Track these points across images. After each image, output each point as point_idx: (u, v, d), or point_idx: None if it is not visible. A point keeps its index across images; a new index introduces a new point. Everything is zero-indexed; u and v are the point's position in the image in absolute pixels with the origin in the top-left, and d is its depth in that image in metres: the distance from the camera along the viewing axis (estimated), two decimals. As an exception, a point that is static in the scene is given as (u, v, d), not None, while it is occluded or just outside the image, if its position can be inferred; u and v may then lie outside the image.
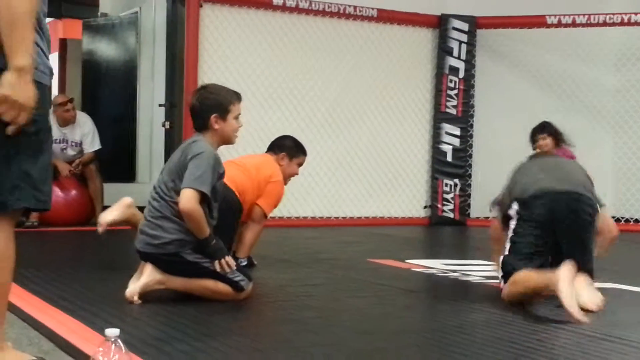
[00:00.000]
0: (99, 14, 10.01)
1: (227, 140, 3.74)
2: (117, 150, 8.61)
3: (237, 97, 3.76)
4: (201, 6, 7.55)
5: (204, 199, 3.50)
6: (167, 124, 7.85)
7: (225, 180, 4.09)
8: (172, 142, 7.81)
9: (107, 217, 4.47)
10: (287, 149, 4.83)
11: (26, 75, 2.11)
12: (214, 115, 3.63)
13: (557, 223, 3.85)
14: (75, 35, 11.64)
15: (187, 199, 3.45)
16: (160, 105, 8.08)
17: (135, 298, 3.50)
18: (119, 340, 2.08)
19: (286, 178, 4.81)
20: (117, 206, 4.50)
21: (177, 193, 3.51)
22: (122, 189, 8.22)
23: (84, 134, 7.41)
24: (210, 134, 3.66)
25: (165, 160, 7.97)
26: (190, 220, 3.47)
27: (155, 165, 8.58)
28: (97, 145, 7.48)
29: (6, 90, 2.10)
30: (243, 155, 5.16)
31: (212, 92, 3.71)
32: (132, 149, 8.99)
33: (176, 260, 3.54)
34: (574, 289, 3.40)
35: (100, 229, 4.43)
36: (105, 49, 9.36)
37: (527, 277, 3.60)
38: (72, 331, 2.89)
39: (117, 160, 8.68)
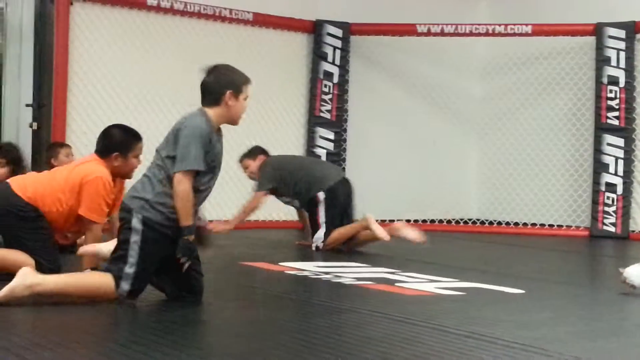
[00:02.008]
0: (-39, 8, 9.55)
1: (234, 119, 3.81)
2: (-20, 151, 8.22)
3: (249, 80, 3.81)
4: (72, 4, 7.33)
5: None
6: (35, 125, 7.58)
7: (15, 187, 4.19)
8: (39, 143, 7.54)
9: None
10: (118, 146, 4.29)
11: None
12: (229, 91, 3.70)
13: (347, 200, 6.36)
14: None
15: (178, 182, 3.57)
16: (27, 105, 7.80)
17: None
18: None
19: (126, 175, 4.41)
20: None
21: (163, 159, 3.64)
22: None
23: (-57, 135, 7.05)
24: (220, 110, 3.72)
25: (33, 163, 7.71)
26: (177, 199, 3.57)
27: (21, 167, 8.25)
28: (-41, 147, 7.13)
29: None
30: (77, 160, 4.86)
31: (229, 70, 3.80)
32: (-3, 151, 8.60)
33: (126, 216, 3.60)
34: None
35: None
36: (-32, 45, 8.93)
37: (343, 230, 6.19)
38: None
39: (-19, 161, 8.29)
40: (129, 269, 3.55)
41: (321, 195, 6.26)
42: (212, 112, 3.73)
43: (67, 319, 3.28)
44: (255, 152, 6.75)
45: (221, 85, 3.72)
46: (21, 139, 8.23)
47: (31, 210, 4.19)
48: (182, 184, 3.57)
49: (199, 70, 3.81)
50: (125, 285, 3.55)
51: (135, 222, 3.58)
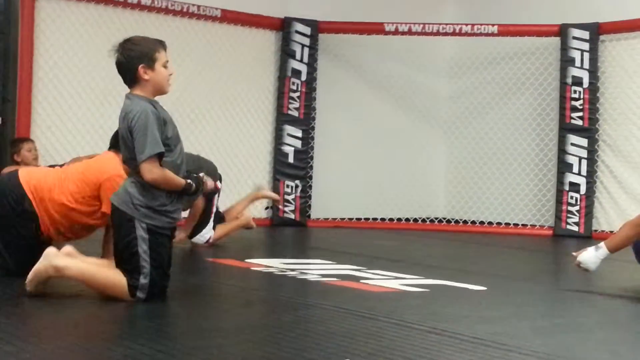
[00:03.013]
0: None
1: (161, 89, 3.65)
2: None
3: (161, 44, 3.67)
4: (36, -2, 7.27)
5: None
6: (-1, 120, 7.50)
7: (20, 175, 4.21)
8: (5, 138, 7.46)
9: None
10: None
11: None
12: (141, 65, 3.56)
13: None
14: None
15: (146, 172, 3.49)
16: (-9, 99, 7.71)
17: (30, 286, 3.50)
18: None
19: None
20: None
21: (133, 163, 3.54)
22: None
23: None
24: (142, 87, 3.59)
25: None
26: (160, 186, 3.53)
27: (-15, 162, 8.16)
28: None
29: None
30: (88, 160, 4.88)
31: (135, 44, 3.63)
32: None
33: (128, 225, 3.51)
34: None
35: None
36: None
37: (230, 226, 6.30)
38: None
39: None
40: (144, 280, 3.53)
41: (219, 184, 6.05)
42: (138, 91, 3.60)
43: (39, 313, 3.26)
44: None
45: (131, 62, 3.58)
46: (-15, 134, 8.14)
47: (23, 204, 4.12)
48: (153, 172, 3.50)
49: (111, 53, 3.69)
50: (141, 295, 3.55)
51: (141, 231, 3.52)
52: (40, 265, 3.52)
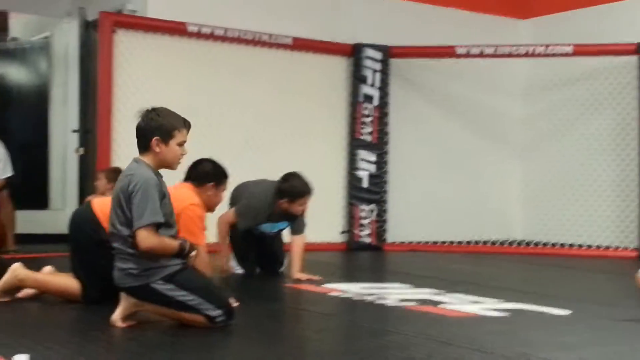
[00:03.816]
0: (8, 38, 9.80)
1: (167, 165, 3.66)
2: (29, 176, 8.41)
3: (184, 124, 3.68)
4: (114, 32, 7.48)
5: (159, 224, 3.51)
6: (82, 150, 7.71)
7: (95, 205, 4.23)
8: (86, 168, 7.68)
9: None
10: (213, 177, 4.65)
11: None
12: (155, 137, 3.58)
13: None
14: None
15: (142, 239, 3.46)
16: (73, 131, 7.95)
17: (119, 323, 3.55)
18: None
19: (213, 207, 4.66)
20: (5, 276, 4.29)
21: (128, 226, 3.50)
22: (35, 216, 8.04)
23: (-5, 161, 7.21)
24: (150, 156, 3.60)
25: (80, 187, 7.84)
26: (155, 254, 3.50)
27: (69, 191, 8.40)
28: (8, 172, 7.29)
29: None
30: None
31: (158, 115, 3.64)
32: (45, 176, 8.79)
33: (148, 290, 3.53)
34: None
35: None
36: (16, 74, 9.16)
37: None
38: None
39: (30, 187, 8.48)
40: (207, 306, 3.55)
41: None
42: (146, 159, 3.60)
43: (124, 339, 3.31)
44: None
45: (148, 131, 3.58)
46: (68, 164, 8.41)
47: (101, 234, 4.15)
48: (149, 239, 3.46)
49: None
50: (220, 321, 3.57)
51: (161, 286, 3.52)
52: (123, 302, 3.60)
